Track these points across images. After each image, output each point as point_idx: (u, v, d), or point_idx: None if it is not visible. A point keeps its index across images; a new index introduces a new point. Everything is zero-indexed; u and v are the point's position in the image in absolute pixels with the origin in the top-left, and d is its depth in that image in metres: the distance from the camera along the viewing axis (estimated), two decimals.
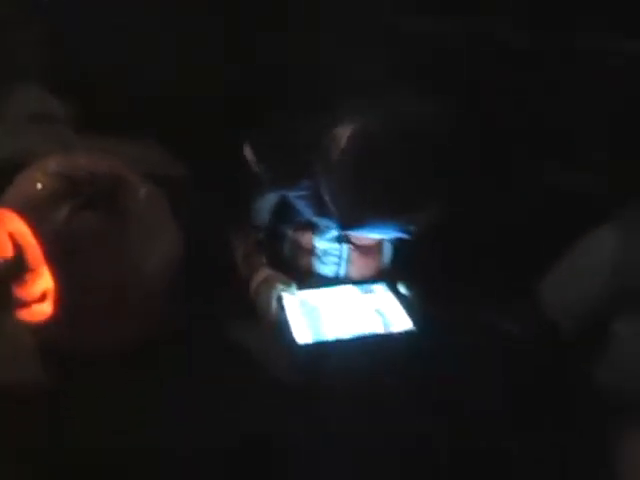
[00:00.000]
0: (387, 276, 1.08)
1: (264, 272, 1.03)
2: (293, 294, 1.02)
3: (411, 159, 0.80)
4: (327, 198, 0.90)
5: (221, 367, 0.85)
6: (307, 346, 0.90)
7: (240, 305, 0.99)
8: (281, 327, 0.95)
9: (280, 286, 1.01)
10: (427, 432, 0.79)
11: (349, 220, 0.89)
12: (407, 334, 0.93)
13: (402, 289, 1.04)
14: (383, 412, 0.80)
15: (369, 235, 0.95)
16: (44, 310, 0.81)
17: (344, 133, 0.85)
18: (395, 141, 0.81)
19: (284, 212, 1.08)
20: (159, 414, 0.80)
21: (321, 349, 0.89)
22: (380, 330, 0.95)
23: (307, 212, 1.03)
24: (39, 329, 0.82)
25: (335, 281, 1.09)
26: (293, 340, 0.91)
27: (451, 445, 0.79)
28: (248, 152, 1.01)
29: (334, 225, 1.01)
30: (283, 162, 0.96)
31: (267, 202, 1.07)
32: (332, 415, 0.79)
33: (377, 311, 1.00)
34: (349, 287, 1.07)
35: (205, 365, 0.85)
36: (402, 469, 0.76)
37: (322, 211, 0.98)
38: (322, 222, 1.04)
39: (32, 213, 0.80)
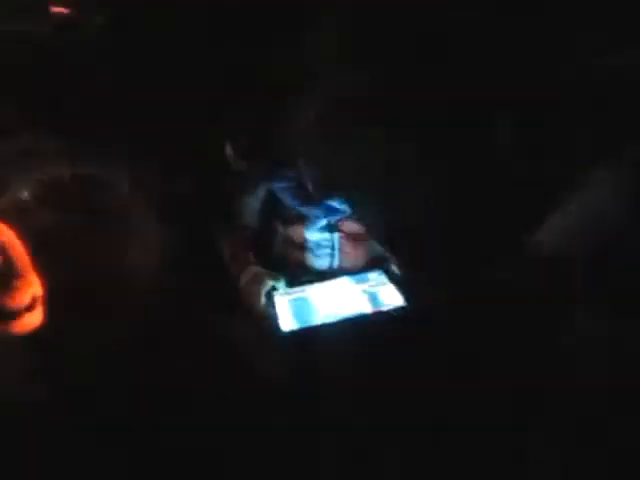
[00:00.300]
0: (379, 263, 1.09)
1: (252, 269, 1.06)
2: (283, 288, 1.03)
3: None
4: (305, 175, 0.93)
5: (210, 363, 0.86)
6: (292, 333, 0.90)
7: (229, 302, 1.00)
8: (270, 321, 0.96)
9: (269, 282, 1.03)
10: (416, 407, 0.78)
11: (323, 189, 0.90)
12: (398, 311, 0.93)
13: (394, 269, 1.04)
14: (372, 393, 0.80)
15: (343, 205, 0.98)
16: (35, 318, 0.83)
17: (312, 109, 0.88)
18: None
19: (273, 210, 1.10)
20: (150, 408, 0.81)
21: (307, 334, 0.90)
22: (369, 310, 0.96)
23: (294, 204, 1.06)
24: (32, 339, 0.84)
25: (330, 273, 1.09)
26: (280, 330, 0.92)
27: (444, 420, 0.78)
28: (229, 150, 1.04)
29: (321, 213, 1.02)
30: (263, 154, 0.99)
31: (254, 200, 1.10)
32: (321, 400, 0.79)
33: (369, 294, 1.02)
34: (344, 278, 1.07)
35: (194, 361, 0.86)
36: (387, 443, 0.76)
37: (308, 200, 1.00)
38: (310, 212, 1.06)
39: (18, 220, 0.84)
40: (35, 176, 0.85)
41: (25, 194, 0.83)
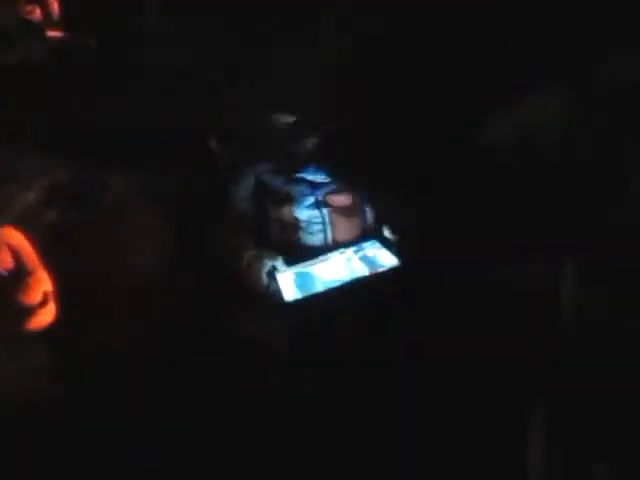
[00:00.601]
0: (373, 233, 1.12)
1: (251, 253, 1.10)
2: (282, 267, 1.08)
3: None
4: None
5: (221, 351, 0.91)
6: (295, 301, 0.97)
7: (233, 290, 1.05)
8: (273, 297, 1.00)
9: (268, 262, 1.07)
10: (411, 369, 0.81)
11: None
12: (392, 272, 0.97)
13: (387, 235, 1.08)
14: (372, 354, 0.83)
15: None
16: (48, 313, 0.89)
17: None
18: None
19: (263, 195, 1.15)
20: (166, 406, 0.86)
21: (309, 300, 0.94)
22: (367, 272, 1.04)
23: (280, 184, 1.10)
24: (47, 334, 0.89)
25: (325, 248, 1.13)
26: (283, 301, 0.96)
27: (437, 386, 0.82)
28: (213, 143, 1.09)
29: (307, 190, 1.08)
30: (246, 138, 1.04)
31: (243, 190, 1.14)
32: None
33: (366, 259, 1.08)
34: (340, 251, 1.12)
35: (205, 349, 0.91)
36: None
37: (292, 177, 1.05)
38: (297, 190, 1.10)
39: (26, 222, 0.90)
40: (38, 182, 0.91)
41: (30, 199, 0.90)
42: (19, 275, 0.88)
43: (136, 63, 1.20)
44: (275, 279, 1.07)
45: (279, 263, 1.10)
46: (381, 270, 1.03)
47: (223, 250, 1.12)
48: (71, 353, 0.87)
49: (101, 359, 0.87)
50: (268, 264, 1.09)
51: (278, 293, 1.03)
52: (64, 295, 0.86)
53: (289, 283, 1.06)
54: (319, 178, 1.10)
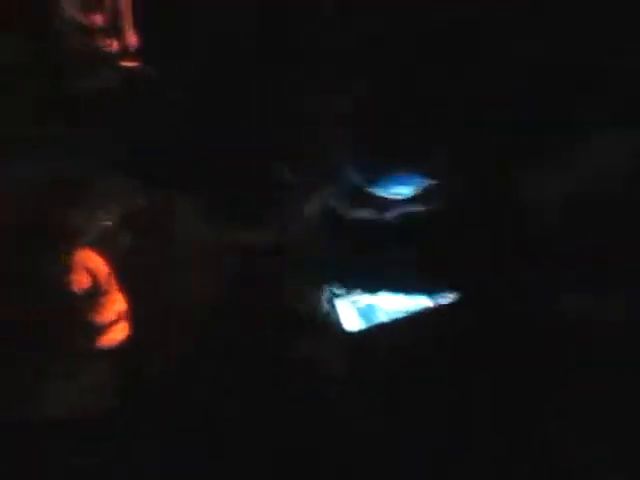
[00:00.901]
0: None
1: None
2: (343, 294, 1.08)
3: None
4: None
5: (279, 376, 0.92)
6: (358, 332, 0.94)
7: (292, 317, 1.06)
8: (333, 324, 1.00)
9: (327, 287, 1.07)
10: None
11: None
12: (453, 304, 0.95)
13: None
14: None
15: None
16: (120, 331, 0.94)
17: None
18: None
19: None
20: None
21: (371, 332, 0.94)
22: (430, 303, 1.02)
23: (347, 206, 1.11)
24: (110, 352, 0.94)
25: None
26: (344, 331, 0.96)
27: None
28: (285, 172, 1.12)
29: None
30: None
31: (309, 211, 1.16)
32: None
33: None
34: None
35: (262, 375, 0.93)
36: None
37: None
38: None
39: (103, 245, 0.95)
40: (114, 207, 0.97)
41: (107, 224, 0.95)
42: (94, 295, 0.93)
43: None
44: (334, 306, 1.08)
45: (340, 290, 1.11)
46: (445, 300, 1.01)
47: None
48: (134, 371, 0.91)
49: (163, 377, 0.90)
50: (327, 290, 1.10)
51: (338, 322, 1.03)
52: (135, 314, 0.90)
53: (349, 312, 1.06)
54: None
